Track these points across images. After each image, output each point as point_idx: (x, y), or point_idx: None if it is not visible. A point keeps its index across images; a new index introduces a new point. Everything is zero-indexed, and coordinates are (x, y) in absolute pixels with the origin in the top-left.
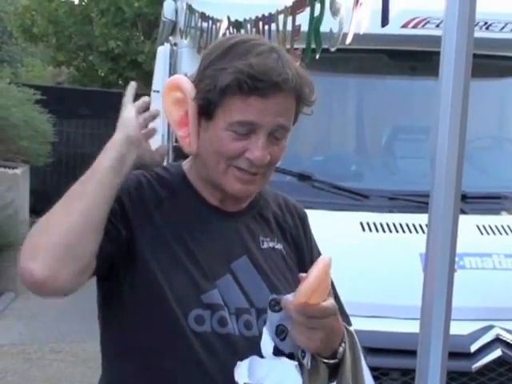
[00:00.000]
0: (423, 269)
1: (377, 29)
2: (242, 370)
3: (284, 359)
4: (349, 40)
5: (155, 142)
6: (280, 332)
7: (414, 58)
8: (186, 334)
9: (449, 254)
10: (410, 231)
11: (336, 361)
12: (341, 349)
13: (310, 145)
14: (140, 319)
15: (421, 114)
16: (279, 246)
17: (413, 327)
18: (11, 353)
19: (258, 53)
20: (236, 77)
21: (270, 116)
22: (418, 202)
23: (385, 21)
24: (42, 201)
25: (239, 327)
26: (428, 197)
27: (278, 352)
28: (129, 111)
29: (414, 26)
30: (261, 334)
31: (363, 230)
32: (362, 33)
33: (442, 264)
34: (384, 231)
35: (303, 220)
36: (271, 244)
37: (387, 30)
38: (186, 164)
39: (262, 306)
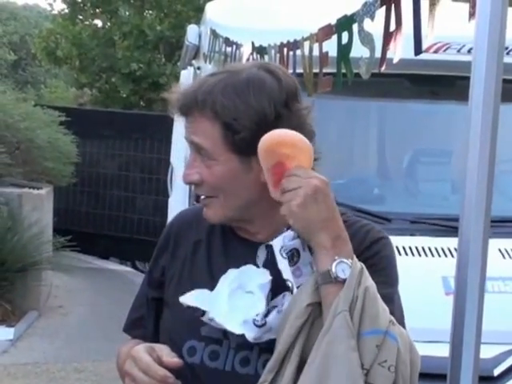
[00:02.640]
0: (445, 292)
1: (392, 53)
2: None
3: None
4: (383, 68)
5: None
6: (292, 256)
7: (434, 83)
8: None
9: (479, 278)
10: (433, 255)
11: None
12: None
13: (331, 168)
14: None
15: (442, 138)
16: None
17: (436, 350)
18: (35, 372)
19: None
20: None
21: (188, 134)
22: (440, 226)
23: (418, 49)
24: (65, 221)
25: (234, 363)
26: (450, 220)
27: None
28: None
29: (436, 51)
30: (257, 372)
31: None
32: (396, 61)
33: (471, 288)
34: (406, 254)
35: (369, 247)
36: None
37: (408, 54)
38: None
39: (265, 346)
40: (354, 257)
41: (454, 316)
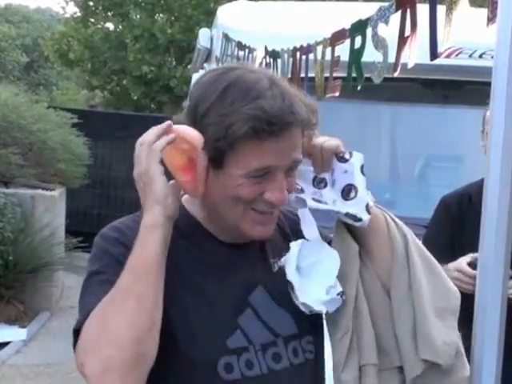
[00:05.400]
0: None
1: (406, 58)
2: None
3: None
4: (397, 72)
5: None
6: (348, 191)
7: (446, 87)
8: None
9: (500, 291)
10: None
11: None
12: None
13: None
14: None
15: (453, 142)
16: None
17: None
18: (47, 372)
19: (260, 91)
20: (253, 125)
21: (285, 155)
22: None
23: (434, 55)
24: (77, 222)
25: (267, 363)
26: None
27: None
28: (159, 182)
29: (448, 56)
30: (291, 363)
31: None
32: (410, 66)
33: (493, 299)
34: None
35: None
36: (280, 263)
37: (420, 59)
38: (186, 203)
39: (287, 334)
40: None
41: (474, 329)
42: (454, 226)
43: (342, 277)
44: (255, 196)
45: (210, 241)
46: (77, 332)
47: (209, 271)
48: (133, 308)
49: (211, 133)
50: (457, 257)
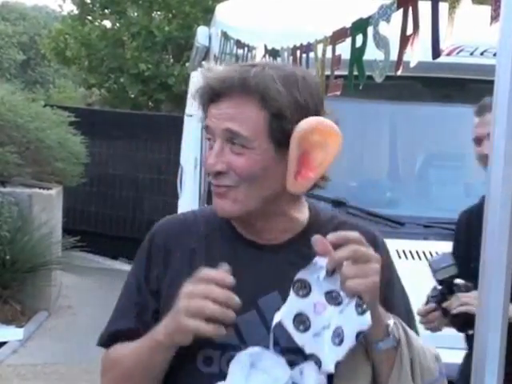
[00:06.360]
0: None
1: (408, 56)
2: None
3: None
4: (399, 71)
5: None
6: (299, 322)
7: (447, 85)
8: (195, 375)
9: (503, 286)
10: None
11: (390, 341)
12: (391, 323)
13: (344, 171)
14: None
15: (454, 141)
16: None
17: (446, 357)
18: (44, 373)
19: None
20: (201, 91)
21: (219, 121)
22: (453, 230)
23: (436, 53)
24: (74, 221)
25: None
26: None
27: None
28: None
29: (448, 54)
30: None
31: (399, 257)
32: (413, 65)
33: (496, 296)
34: (420, 258)
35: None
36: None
37: (421, 57)
38: None
39: (285, 346)
40: (389, 315)
41: (477, 325)
42: (460, 245)
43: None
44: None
45: (235, 239)
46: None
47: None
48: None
49: None
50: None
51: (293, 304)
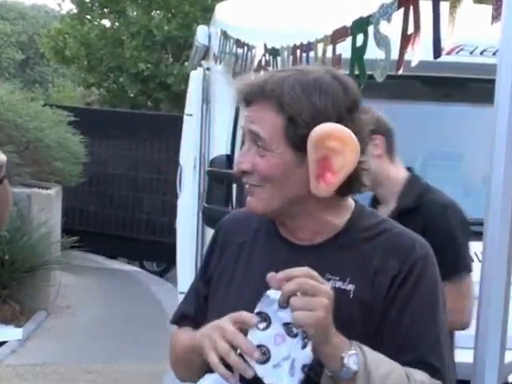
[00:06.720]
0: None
1: (409, 55)
2: None
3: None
4: (401, 71)
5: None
6: (259, 354)
7: (447, 85)
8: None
9: (504, 282)
10: None
11: (345, 373)
12: (351, 359)
13: None
14: None
15: (454, 140)
16: (349, 287)
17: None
18: (43, 373)
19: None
20: (237, 98)
21: (247, 123)
22: None
23: (437, 53)
24: (73, 221)
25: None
26: None
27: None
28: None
29: (448, 53)
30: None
31: None
32: (414, 64)
33: (497, 292)
34: None
35: (411, 269)
36: (338, 284)
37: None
38: None
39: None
40: (352, 342)
41: (478, 321)
42: None
43: None
44: None
45: (273, 236)
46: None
47: (259, 264)
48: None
49: None
50: None
51: (254, 336)
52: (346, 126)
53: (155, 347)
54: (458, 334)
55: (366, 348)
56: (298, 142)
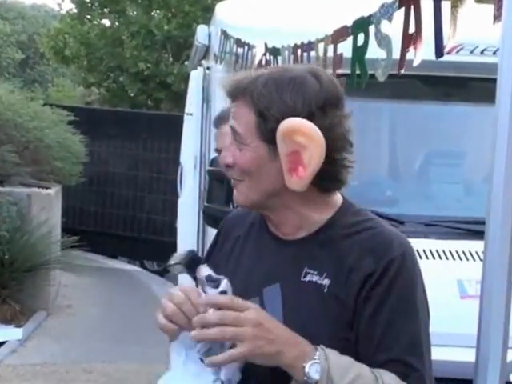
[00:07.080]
0: (461, 296)
1: (410, 55)
2: None
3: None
4: (402, 70)
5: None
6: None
7: (447, 84)
8: None
9: (506, 281)
10: (447, 258)
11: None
12: (312, 368)
13: None
14: None
15: (455, 139)
16: (325, 282)
17: (452, 355)
18: (43, 372)
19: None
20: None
21: (231, 120)
22: (454, 228)
23: (439, 52)
24: (73, 220)
25: None
26: (464, 223)
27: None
28: None
29: (448, 52)
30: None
31: None
32: (416, 64)
33: (498, 291)
34: (420, 257)
35: (388, 268)
36: (315, 278)
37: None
38: None
39: None
40: (318, 348)
41: (480, 320)
42: None
43: None
44: None
45: (263, 231)
46: None
47: (246, 256)
48: None
49: None
50: None
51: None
52: (317, 122)
53: (156, 347)
54: (459, 333)
55: (332, 355)
56: (269, 136)
